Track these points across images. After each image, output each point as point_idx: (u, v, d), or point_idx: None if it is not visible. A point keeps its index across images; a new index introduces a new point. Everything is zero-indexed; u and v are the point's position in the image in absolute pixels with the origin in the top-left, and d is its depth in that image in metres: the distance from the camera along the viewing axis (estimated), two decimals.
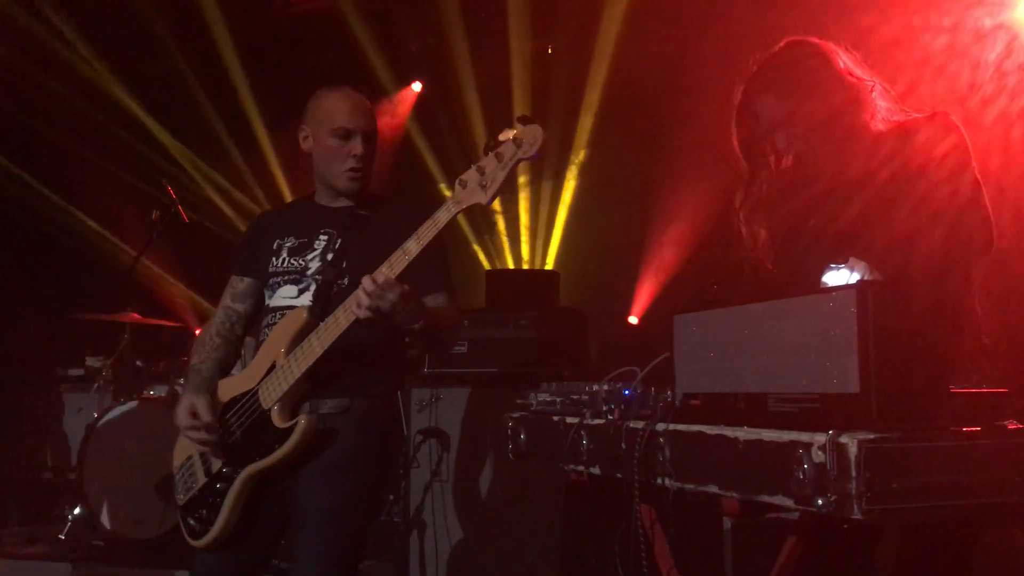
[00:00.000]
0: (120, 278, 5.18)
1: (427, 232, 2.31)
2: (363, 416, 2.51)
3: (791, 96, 2.26)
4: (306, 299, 2.53)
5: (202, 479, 2.52)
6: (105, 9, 5.87)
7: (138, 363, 5.05)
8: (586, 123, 6.11)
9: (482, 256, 6.77)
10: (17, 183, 6.43)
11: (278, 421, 2.40)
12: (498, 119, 6.40)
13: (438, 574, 4.08)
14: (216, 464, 2.50)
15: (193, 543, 2.51)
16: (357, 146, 2.58)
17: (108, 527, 4.42)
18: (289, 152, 6.26)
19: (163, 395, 4.89)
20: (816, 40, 2.31)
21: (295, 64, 6.13)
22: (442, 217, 2.32)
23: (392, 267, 2.29)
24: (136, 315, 4.93)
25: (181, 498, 2.57)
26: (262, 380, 2.46)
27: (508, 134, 2.25)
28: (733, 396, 1.84)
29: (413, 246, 2.31)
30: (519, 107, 6.03)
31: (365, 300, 2.23)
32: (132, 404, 4.63)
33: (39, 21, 5.73)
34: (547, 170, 6.44)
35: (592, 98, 5.98)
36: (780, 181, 2.33)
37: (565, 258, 6.48)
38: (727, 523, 3.27)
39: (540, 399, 2.56)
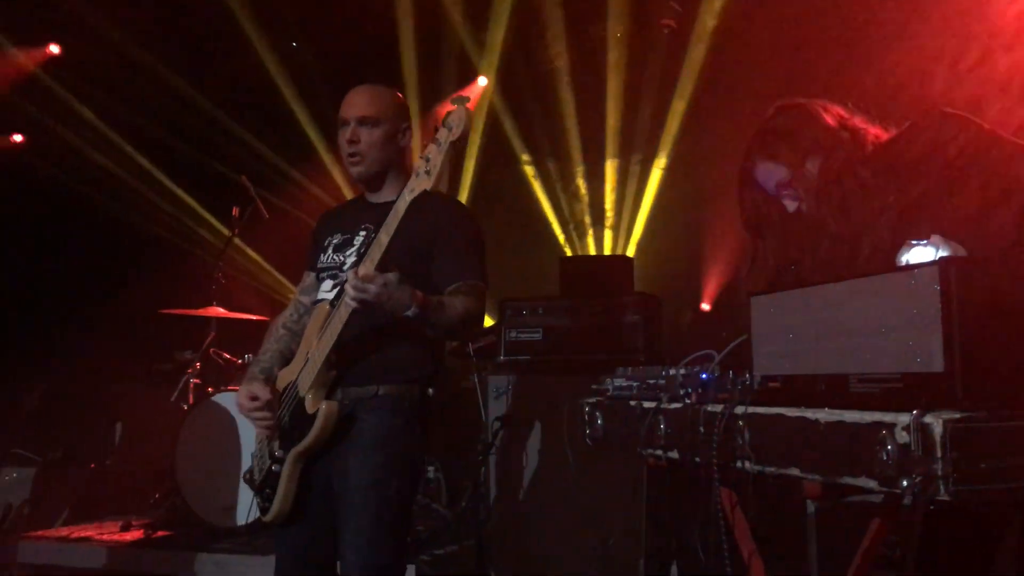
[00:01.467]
0: (207, 274, 5.32)
1: (391, 222, 2.47)
2: (391, 401, 2.66)
3: (791, 156, 2.33)
4: (333, 293, 2.69)
5: (268, 462, 2.71)
6: (189, 9, 6.02)
7: (224, 356, 5.19)
8: (678, 109, 6.06)
9: (564, 243, 6.77)
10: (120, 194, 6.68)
11: (309, 407, 2.60)
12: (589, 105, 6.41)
13: (517, 561, 4.12)
14: (275, 447, 2.69)
15: (263, 519, 2.71)
16: (347, 132, 2.73)
17: (200, 515, 4.55)
18: None
19: None
20: (803, 101, 2.43)
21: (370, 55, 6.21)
22: (399, 207, 2.48)
23: (372, 259, 2.47)
24: (220, 309, 5.06)
25: (257, 480, 2.77)
26: (301, 370, 2.66)
27: (443, 119, 2.42)
28: (813, 378, 1.82)
29: (384, 237, 2.47)
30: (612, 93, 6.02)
31: (351, 292, 2.39)
32: (219, 396, 4.76)
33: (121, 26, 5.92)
34: (635, 155, 6.40)
35: (686, 86, 5.92)
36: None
37: (645, 244, 6.46)
38: (811, 506, 3.23)
39: (616, 384, 2.57)
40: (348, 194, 6.78)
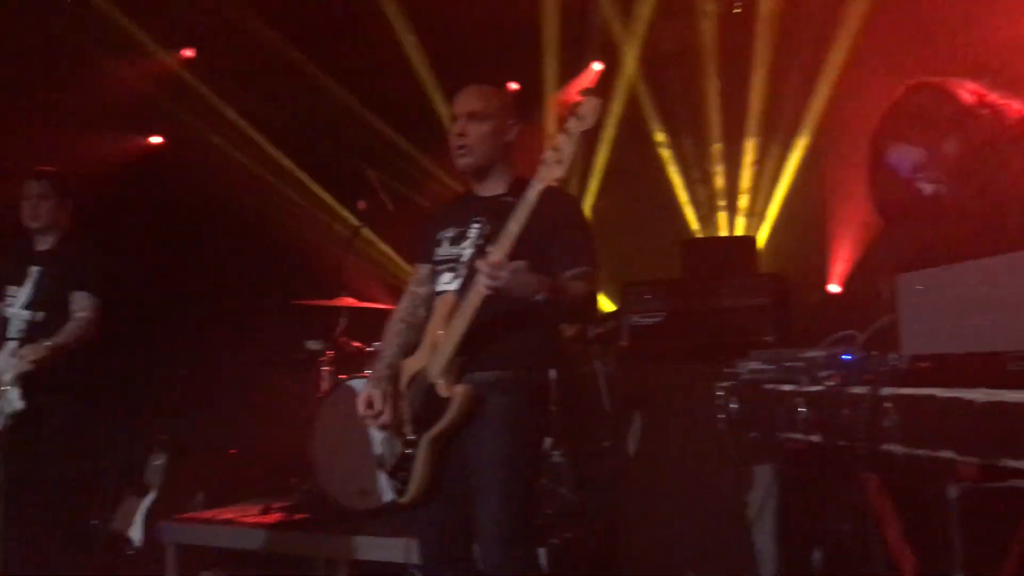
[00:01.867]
0: (336, 265, 5.49)
1: (522, 213, 2.60)
2: (517, 384, 2.84)
3: (926, 138, 2.25)
4: (457, 284, 2.87)
5: (399, 447, 2.90)
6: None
7: (355, 344, 5.34)
8: (822, 88, 5.90)
9: (693, 225, 6.66)
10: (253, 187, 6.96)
11: (442, 392, 2.77)
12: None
13: (646, 544, 4.11)
14: (407, 432, 2.88)
15: (400, 500, 2.91)
16: (457, 126, 2.92)
17: (337, 499, 4.71)
18: None
19: None
20: (936, 79, 2.38)
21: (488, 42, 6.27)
22: (531, 197, 2.60)
23: (501, 248, 2.59)
24: (351, 299, 5.22)
25: (388, 464, 2.97)
26: (429, 358, 2.84)
27: (573, 109, 2.55)
28: (966, 356, 1.77)
29: (514, 227, 2.59)
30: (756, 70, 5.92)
31: (483, 279, 2.54)
32: (352, 382, 4.90)
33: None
34: (776, 134, 6.26)
35: (833, 64, 5.76)
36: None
37: (776, 226, 6.31)
38: (952, 491, 3.12)
39: (751, 368, 2.55)
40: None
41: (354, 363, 5.36)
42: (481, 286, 2.58)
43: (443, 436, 2.79)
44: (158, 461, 5.44)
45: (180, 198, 6.79)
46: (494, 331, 2.77)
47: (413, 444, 2.83)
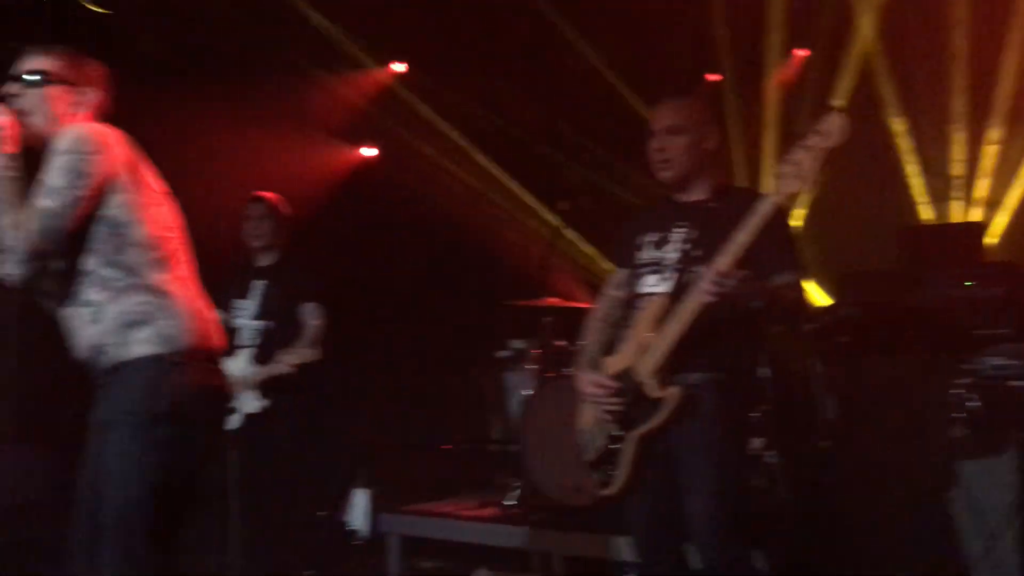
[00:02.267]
0: (540, 265, 5.59)
1: (754, 224, 2.68)
2: (725, 386, 2.90)
3: None
4: (666, 287, 2.93)
5: (603, 441, 3.00)
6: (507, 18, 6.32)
7: (561, 343, 5.42)
8: None
9: (922, 209, 6.28)
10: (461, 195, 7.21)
11: (651, 392, 2.84)
12: None
13: (865, 552, 3.94)
14: (611, 428, 2.97)
15: (602, 492, 3.03)
16: (655, 142, 3.01)
17: (550, 495, 4.79)
18: None
19: None
20: None
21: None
22: (764, 209, 2.68)
23: (728, 256, 2.67)
24: (555, 299, 5.29)
25: (589, 456, 3.08)
26: (636, 358, 2.91)
27: (817, 124, 2.61)
28: None
29: (743, 237, 2.68)
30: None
31: (709, 287, 2.63)
32: (559, 381, 4.98)
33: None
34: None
35: None
36: None
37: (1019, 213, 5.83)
38: None
39: (993, 364, 2.39)
40: None
41: (560, 361, 5.44)
42: (704, 293, 2.66)
43: (651, 435, 2.87)
44: (378, 456, 5.73)
45: (392, 206, 7.11)
46: (705, 334, 2.82)
47: (618, 440, 2.93)
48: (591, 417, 3.08)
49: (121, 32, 5.71)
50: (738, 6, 6.19)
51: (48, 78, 2.60)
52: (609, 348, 3.11)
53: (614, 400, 2.95)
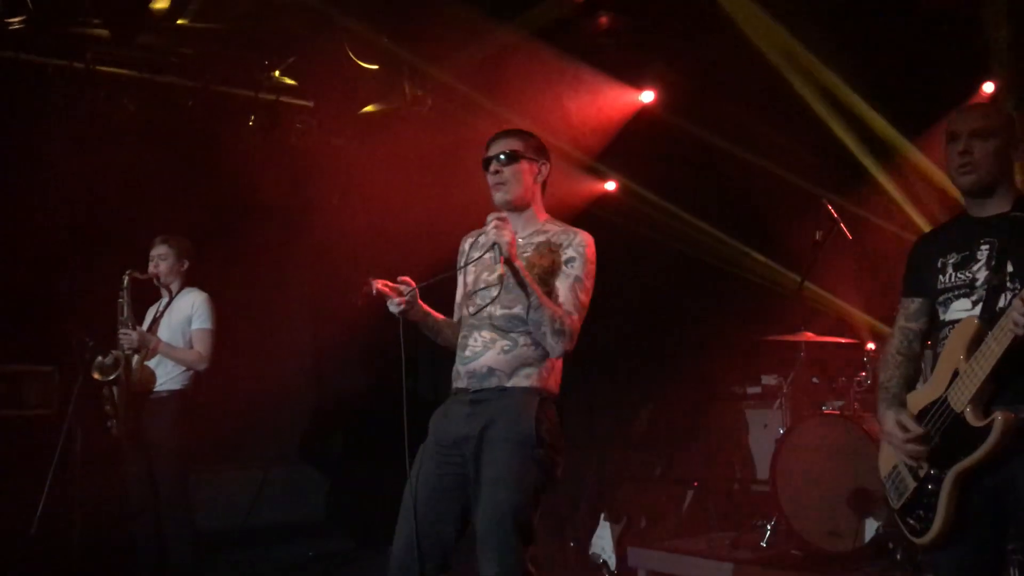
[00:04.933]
0: (790, 301, 5.44)
1: None
2: None
3: None
4: (977, 310, 2.66)
5: (912, 484, 2.73)
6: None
7: (814, 380, 5.23)
8: None
9: None
10: (694, 225, 7.21)
11: (973, 421, 2.55)
12: None
13: None
14: (922, 469, 2.69)
15: (916, 541, 2.71)
16: (959, 145, 2.76)
17: (805, 537, 4.62)
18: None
19: (839, 410, 4.98)
20: None
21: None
22: None
23: None
24: (809, 334, 5.11)
25: (895, 503, 2.80)
26: (948, 387, 2.63)
27: None
28: None
29: None
30: None
31: (1019, 318, 2.39)
32: (812, 420, 4.81)
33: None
34: None
35: None
36: None
37: None
38: None
39: None
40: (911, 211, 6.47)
41: (813, 399, 5.25)
42: (1014, 325, 2.43)
43: (973, 469, 2.57)
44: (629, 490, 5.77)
45: (635, 238, 7.18)
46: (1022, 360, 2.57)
47: (932, 480, 2.67)
48: (893, 459, 2.83)
49: None
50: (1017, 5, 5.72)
51: (518, 156, 3.19)
52: (911, 383, 2.89)
53: (917, 449, 2.69)
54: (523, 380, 3.03)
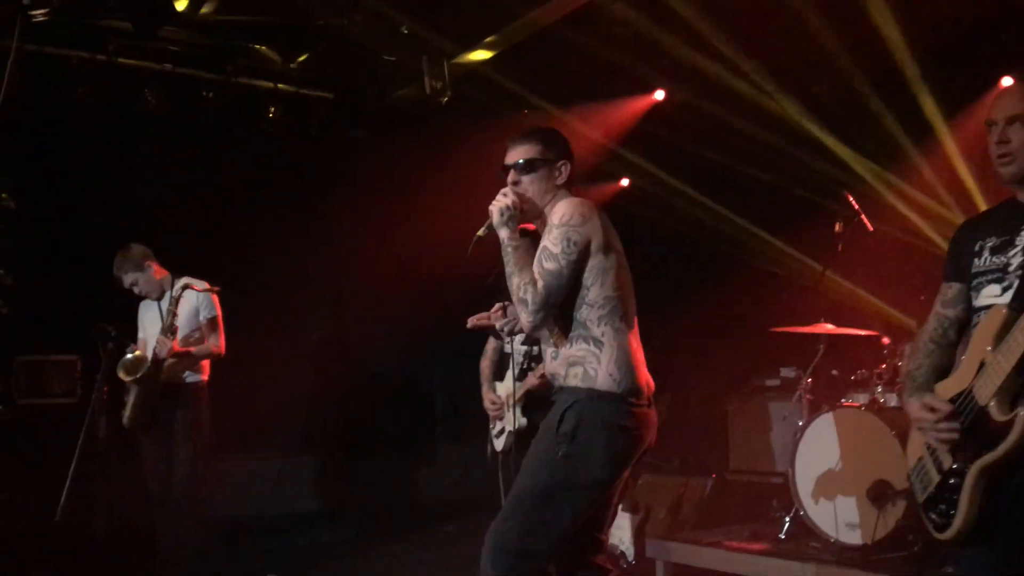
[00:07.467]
0: (809, 292, 5.41)
1: None
2: None
3: None
4: (1008, 296, 2.52)
5: (936, 477, 2.61)
6: (776, 37, 6.19)
7: (833, 372, 5.20)
8: None
9: None
10: (712, 214, 7.17)
11: (997, 415, 2.42)
12: None
13: None
14: (946, 462, 2.58)
15: (938, 536, 2.60)
16: (996, 133, 2.62)
17: (823, 530, 4.60)
18: (972, 147, 5.92)
19: (860, 403, 4.95)
20: None
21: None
22: None
23: None
24: (829, 326, 5.07)
25: (920, 496, 2.69)
26: (974, 379, 2.51)
27: None
28: None
29: None
30: None
31: None
32: (831, 412, 4.78)
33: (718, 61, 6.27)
34: None
35: None
36: None
37: None
38: None
39: None
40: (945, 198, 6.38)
41: (835, 391, 5.22)
42: None
43: (997, 465, 2.46)
44: (648, 480, 5.76)
45: (650, 230, 7.17)
46: None
47: (955, 474, 2.55)
48: (921, 448, 2.72)
49: None
50: None
51: (535, 163, 3.15)
52: (942, 373, 2.73)
53: (951, 425, 2.55)
54: (572, 380, 3.05)
